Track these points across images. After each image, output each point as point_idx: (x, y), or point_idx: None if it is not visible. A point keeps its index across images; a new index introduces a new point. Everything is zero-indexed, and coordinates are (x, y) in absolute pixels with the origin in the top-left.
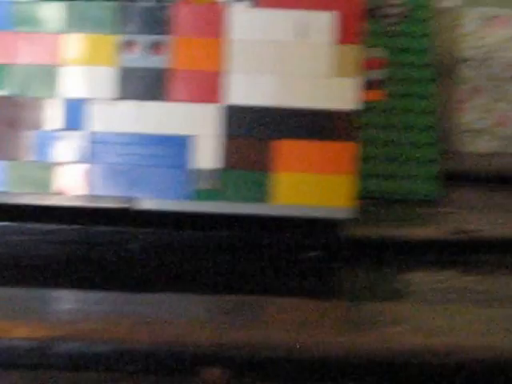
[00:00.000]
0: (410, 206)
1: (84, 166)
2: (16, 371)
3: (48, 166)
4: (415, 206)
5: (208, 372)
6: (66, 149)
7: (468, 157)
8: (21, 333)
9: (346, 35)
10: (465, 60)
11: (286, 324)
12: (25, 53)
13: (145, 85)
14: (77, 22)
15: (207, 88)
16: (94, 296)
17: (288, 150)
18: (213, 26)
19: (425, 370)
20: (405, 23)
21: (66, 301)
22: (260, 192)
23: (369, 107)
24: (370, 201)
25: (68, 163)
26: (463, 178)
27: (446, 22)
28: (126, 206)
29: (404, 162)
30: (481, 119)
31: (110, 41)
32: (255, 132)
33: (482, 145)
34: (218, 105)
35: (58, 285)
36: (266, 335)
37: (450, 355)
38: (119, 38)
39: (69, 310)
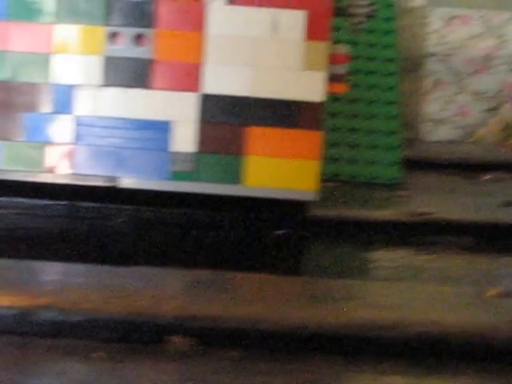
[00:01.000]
0: (372, 190)
1: (72, 147)
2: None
3: (39, 146)
4: (377, 190)
5: (174, 340)
6: (56, 131)
7: (430, 145)
8: (4, 301)
9: (316, 32)
10: (429, 55)
11: (250, 297)
12: (19, 41)
13: (129, 73)
14: (67, 14)
15: (186, 78)
16: (76, 268)
17: (259, 136)
18: (192, 21)
19: (373, 342)
20: (372, 21)
21: (50, 272)
22: (232, 174)
23: (336, 97)
24: (336, 184)
25: (57, 144)
26: (425, 164)
27: (413, 20)
28: (109, 184)
29: (368, 148)
30: (443, 110)
31: (97, 32)
32: (229, 119)
33: (444, 134)
34: (195, 93)
35: (45, 257)
36: (230, 307)
37: (398, 329)
38: (106, 29)
39: (51, 281)
